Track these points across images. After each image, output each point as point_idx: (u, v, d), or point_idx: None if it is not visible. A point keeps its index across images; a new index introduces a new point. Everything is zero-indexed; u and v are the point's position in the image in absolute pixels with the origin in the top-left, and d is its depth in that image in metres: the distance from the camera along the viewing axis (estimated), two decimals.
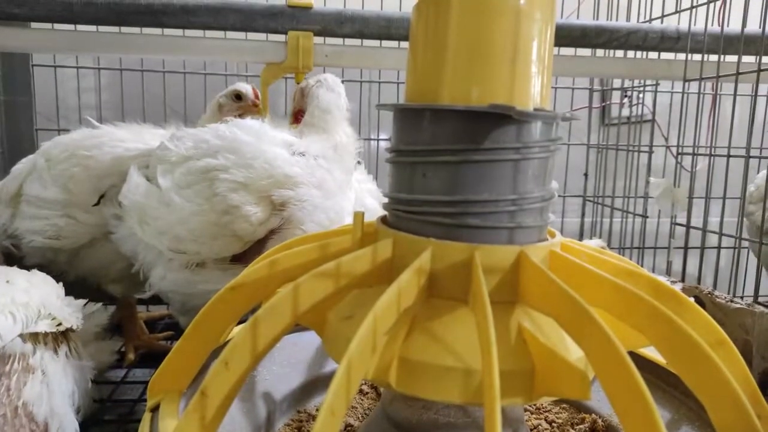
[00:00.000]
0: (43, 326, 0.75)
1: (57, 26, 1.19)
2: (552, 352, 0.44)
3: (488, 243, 0.49)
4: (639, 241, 1.52)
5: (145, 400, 1.15)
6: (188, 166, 0.90)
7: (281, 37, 1.15)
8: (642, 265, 1.54)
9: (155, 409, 0.57)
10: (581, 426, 0.73)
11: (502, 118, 0.48)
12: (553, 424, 0.74)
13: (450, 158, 0.50)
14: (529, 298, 0.48)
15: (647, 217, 1.42)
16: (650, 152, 1.39)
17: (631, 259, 1.60)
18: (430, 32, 0.52)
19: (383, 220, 0.57)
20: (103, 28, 1.19)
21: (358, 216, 0.56)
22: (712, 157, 1.23)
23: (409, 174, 0.53)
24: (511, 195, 0.50)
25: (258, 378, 0.74)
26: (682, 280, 1.27)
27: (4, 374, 0.67)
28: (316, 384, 0.78)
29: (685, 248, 1.26)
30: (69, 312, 0.83)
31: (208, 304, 0.56)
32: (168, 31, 1.22)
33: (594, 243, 1.34)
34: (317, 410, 0.74)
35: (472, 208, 0.49)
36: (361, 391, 0.79)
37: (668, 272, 1.36)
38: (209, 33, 1.22)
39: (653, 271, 1.50)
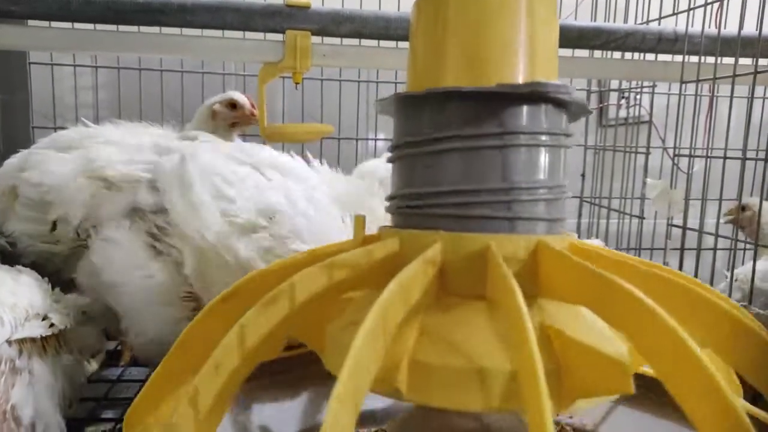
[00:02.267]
0: (36, 329, 0.74)
1: (54, 24, 1.19)
2: (584, 346, 0.40)
3: (503, 233, 0.46)
4: (635, 242, 1.53)
5: None
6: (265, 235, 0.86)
7: (279, 36, 1.15)
8: None
9: None
10: None
11: (510, 100, 0.46)
12: None
13: (457, 145, 0.47)
14: (553, 288, 0.45)
15: (644, 218, 1.43)
16: (647, 153, 1.39)
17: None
18: (431, 22, 0.50)
19: (386, 227, 0.54)
20: (100, 27, 1.18)
21: (359, 219, 0.54)
22: (708, 159, 1.24)
23: (413, 167, 0.50)
24: (524, 183, 0.47)
25: (252, 422, 0.71)
26: None
27: None
28: None
29: (681, 249, 1.26)
30: (58, 308, 0.82)
31: (195, 319, 0.52)
32: (166, 30, 1.21)
33: (594, 243, 1.34)
34: None
35: (484, 197, 0.47)
36: None
37: None
38: (206, 32, 1.21)
39: None
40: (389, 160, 0.55)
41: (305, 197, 0.92)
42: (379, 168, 1.08)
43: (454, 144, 0.47)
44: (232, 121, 1.26)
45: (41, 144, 1.17)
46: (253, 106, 1.24)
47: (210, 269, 0.84)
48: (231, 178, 0.91)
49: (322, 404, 0.76)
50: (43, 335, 0.74)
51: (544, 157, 0.48)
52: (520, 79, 0.48)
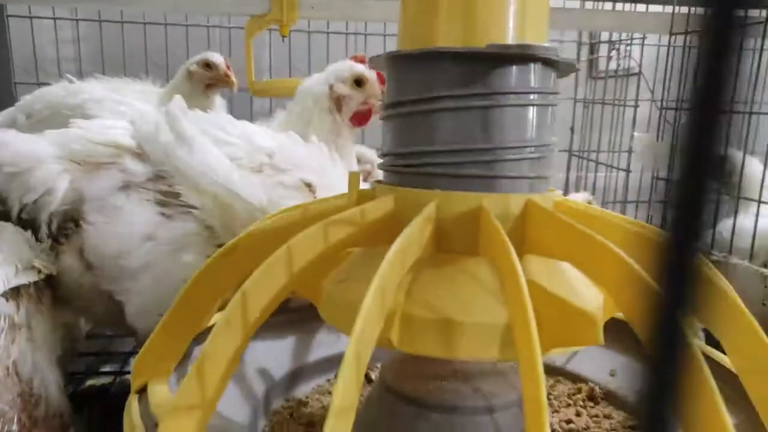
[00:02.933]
0: (27, 277, 0.74)
1: None
2: (561, 300, 0.43)
3: (494, 192, 0.48)
4: (622, 195, 1.55)
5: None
6: None
7: None
8: None
9: (141, 391, 0.55)
10: (578, 396, 0.73)
11: (503, 61, 0.47)
12: (550, 396, 0.72)
13: (449, 104, 0.48)
14: (539, 244, 0.47)
15: (630, 171, 1.44)
16: (635, 107, 1.39)
17: (613, 212, 1.63)
18: None
19: (378, 182, 0.56)
20: None
21: (354, 176, 0.55)
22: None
23: (406, 126, 0.51)
24: (514, 143, 0.48)
25: (246, 363, 0.72)
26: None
27: None
28: (304, 372, 0.77)
29: (666, 202, 1.29)
30: (44, 257, 0.83)
31: (198, 273, 0.53)
32: None
33: (581, 197, 1.36)
34: (306, 397, 0.73)
35: (475, 157, 0.48)
36: None
37: None
38: None
39: None
40: (381, 118, 0.56)
41: (286, 136, 0.90)
42: (313, 88, 0.98)
43: (445, 104, 0.48)
44: (208, 81, 1.24)
45: (25, 101, 1.16)
46: (228, 67, 1.23)
47: (236, 218, 0.80)
48: (224, 125, 0.87)
49: (310, 345, 0.79)
50: (32, 281, 0.75)
51: (532, 116, 0.49)
52: (511, 39, 0.48)
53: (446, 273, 0.47)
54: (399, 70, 0.52)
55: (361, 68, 0.97)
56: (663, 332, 0.18)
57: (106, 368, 1.14)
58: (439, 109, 0.48)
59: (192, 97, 1.22)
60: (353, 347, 0.35)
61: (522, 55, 0.48)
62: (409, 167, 0.51)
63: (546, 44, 0.49)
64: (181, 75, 1.25)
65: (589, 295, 0.46)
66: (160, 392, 0.53)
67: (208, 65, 1.22)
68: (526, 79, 0.49)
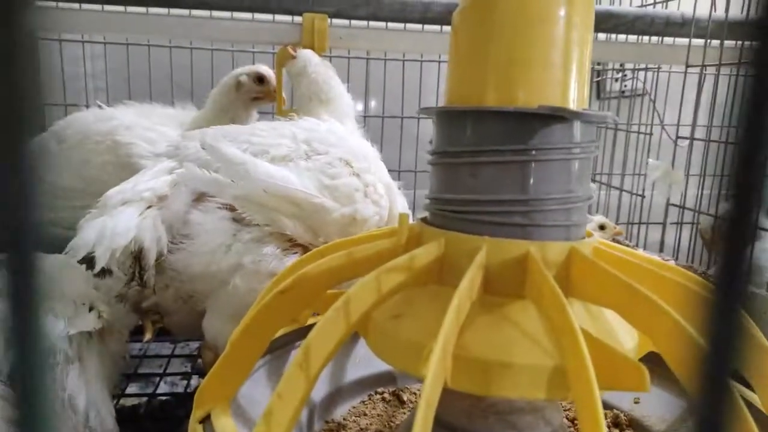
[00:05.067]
0: (89, 323, 0.76)
1: (62, 5, 1.18)
2: (607, 347, 0.45)
3: (539, 240, 0.51)
4: (631, 215, 1.58)
5: (170, 374, 1.19)
6: None
7: (288, 18, 1.15)
8: (636, 239, 1.60)
9: (204, 420, 0.57)
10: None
11: (549, 119, 0.50)
12: (575, 421, 0.74)
13: (497, 158, 0.51)
14: (582, 290, 0.50)
15: (644, 196, 1.48)
16: (650, 134, 1.43)
17: (625, 232, 1.66)
18: (474, 38, 0.54)
19: (424, 221, 0.58)
20: (108, 7, 1.17)
21: (404, 218, 0.58)
22: (707, 135, 1.28)
23: (455, 174, 0.54)
24: (559, 194, 0.52)
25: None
26: (676, 254, 1.34)
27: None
28: (341, 394, 0.79)
29: (680, 224, 1.32)
30: (100, 296, 0.84)
31: (258, 309, 0.56)
32: (174, 12, 1.20)
33: (595, 219, 1.39)
34: (344, 419, 0.76)
35: (522, 207, 0.51)
36: (383, 399, 0.81)
37: (661, 249, 1.42)
38: (216, 13, 1.20)
39: (645, 245, 1.56)
40: (430, 163, 0.58)
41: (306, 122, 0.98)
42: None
43: (494, 158, 0.51)
44: (256, 95, 1.20)
45: (57, 128, 1.18)
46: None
47: (305, 219, 0.85)
48: (257, 132, 0.93)
49: (345, 366, 0.82)
50: (96, 328, 0.76)
51: (575, 168, 0.52)
52: (558, 95, 0.51)
53: (496, 316, 0.49)
54: (448, 122, 0.55)
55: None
56: (709, 386, 0.20)
57: (133, 389, 1.15)
58: (487, 162, 0.51)
59: (231, 109, 1.19)
60: (426, 397, 0.38)
61: (570, 114, 0.51)
62: (457, 213, 0.54)
63: (597, 113, 0.52)
64: (227, 85, 1.20)
65: (627, 338, 0.49)
66: (226, 425, 0.55)
67: (260, 79, 1.18)
68: (571, 134, 0.52)
